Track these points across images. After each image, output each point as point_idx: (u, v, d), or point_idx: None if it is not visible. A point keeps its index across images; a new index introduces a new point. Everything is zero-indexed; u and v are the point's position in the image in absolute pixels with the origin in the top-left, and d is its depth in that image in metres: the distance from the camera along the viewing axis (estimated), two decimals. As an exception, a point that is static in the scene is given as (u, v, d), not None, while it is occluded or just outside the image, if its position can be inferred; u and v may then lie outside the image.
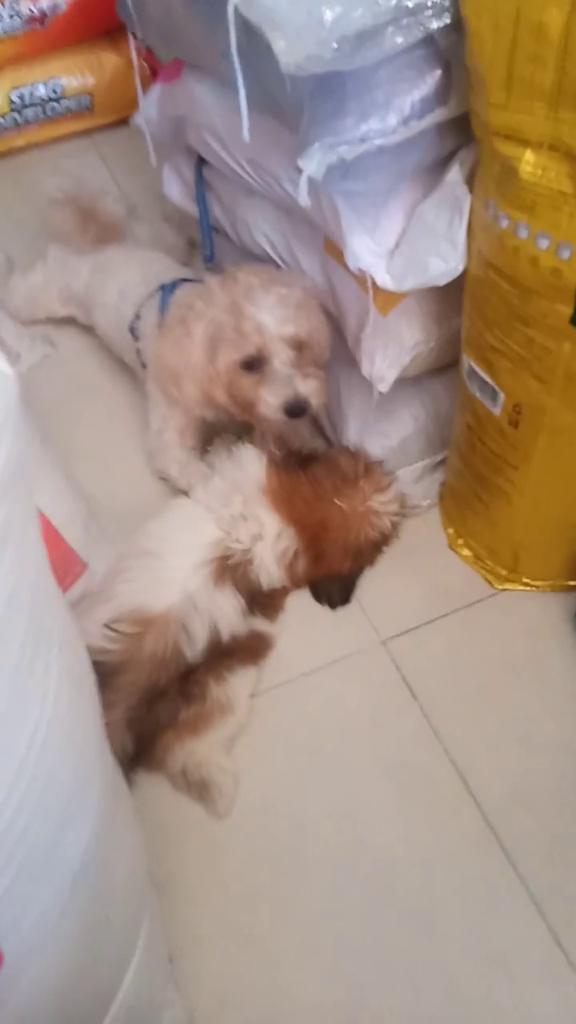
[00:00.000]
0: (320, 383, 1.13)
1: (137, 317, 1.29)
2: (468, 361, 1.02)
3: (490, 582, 1.19)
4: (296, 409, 1.10)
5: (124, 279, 1.35)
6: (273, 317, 1.07)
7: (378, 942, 0.92)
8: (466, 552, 1.21)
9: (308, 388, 1.10)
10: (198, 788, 0.99)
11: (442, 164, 0.99)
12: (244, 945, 0.92)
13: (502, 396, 0.98)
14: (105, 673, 0.98)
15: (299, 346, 1.11)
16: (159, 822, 0.99)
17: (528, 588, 1.18)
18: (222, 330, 1.09)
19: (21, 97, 1.90)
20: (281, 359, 1.09)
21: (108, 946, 0.71)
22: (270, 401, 1.10)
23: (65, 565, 1.08)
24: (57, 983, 0.64)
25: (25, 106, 1.92)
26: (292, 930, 0.93)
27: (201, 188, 1.42)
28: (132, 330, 1.31)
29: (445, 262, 0.95)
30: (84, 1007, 0.70)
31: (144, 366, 1.31)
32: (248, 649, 1.07)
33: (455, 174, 0.95)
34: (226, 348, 1.09)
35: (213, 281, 1.15)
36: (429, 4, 0.82)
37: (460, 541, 1.22)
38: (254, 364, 1.10)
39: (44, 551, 0.65)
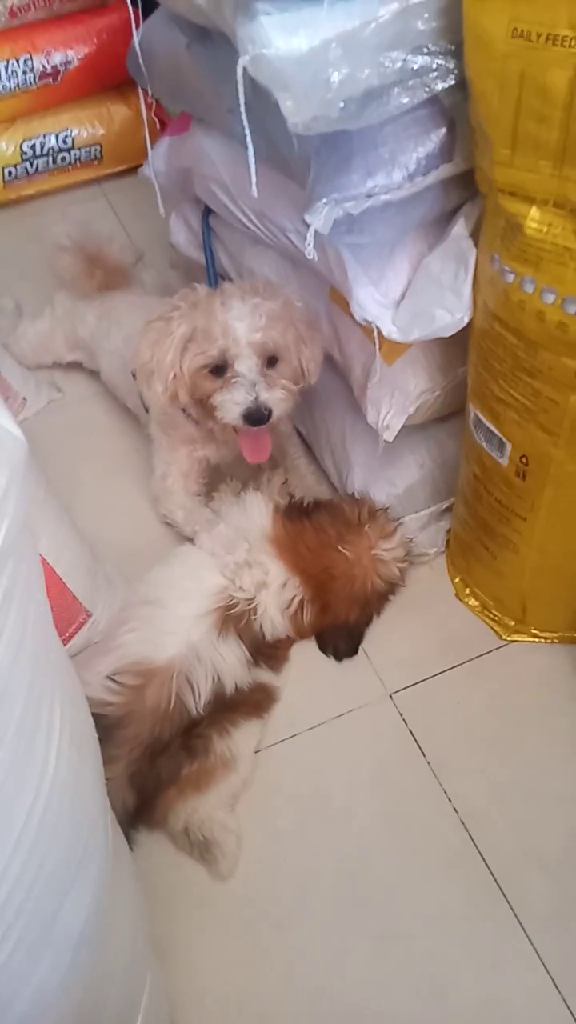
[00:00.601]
0: (287, 394, 1.11)
1: (136, 353, 1.29)
2: (474, 411, 1.02)
3: (498, 633, 1.17)
4: (256, 416, 1.07)
5: (129, 326, 1.36)
6: (242, 323, 1.06)
7: (384, 1010, 0.88)
8: (473, 602, 1.20)
9: (272, 396, 1.08)
10: (200, 848, 0.97)
11: (447, 218, 1.00)
12: (244, 1011, 0.89)
13: (509, 447, 0.97)
14: (106, 727, 0.96)
15: (270, 357, 1.09)
16: (159, 883, 0.97)
17: (537, 639, 1.16)
18: (195, 333, 1.09)
19: (33, 148, 1.94)
20: (247, 365, 1.07)
21: (109, 1017, 0.68)
22: (230, 406, 1.08)
23: (68, 615, 1.07)
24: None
25: (36, 156, 1.96)
26: (294, 996, 0.89)
27: (208, 237, 1.44)
28: (135, 374, 1.32)
29: (451, 314, 0.96)
30: None
31: (147, 410, 1.32)
32: (252, 702, 1.05)
33: (460, 228, 0.96)
34: (193, 350, 1.08)
35: (202, 288, 1.15)
36: (434, 66, 0.83)
37: (467, 591, 1.21)
38: (220, 368, 1.09)
39: (48, 610, 0.64)
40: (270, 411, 1.08)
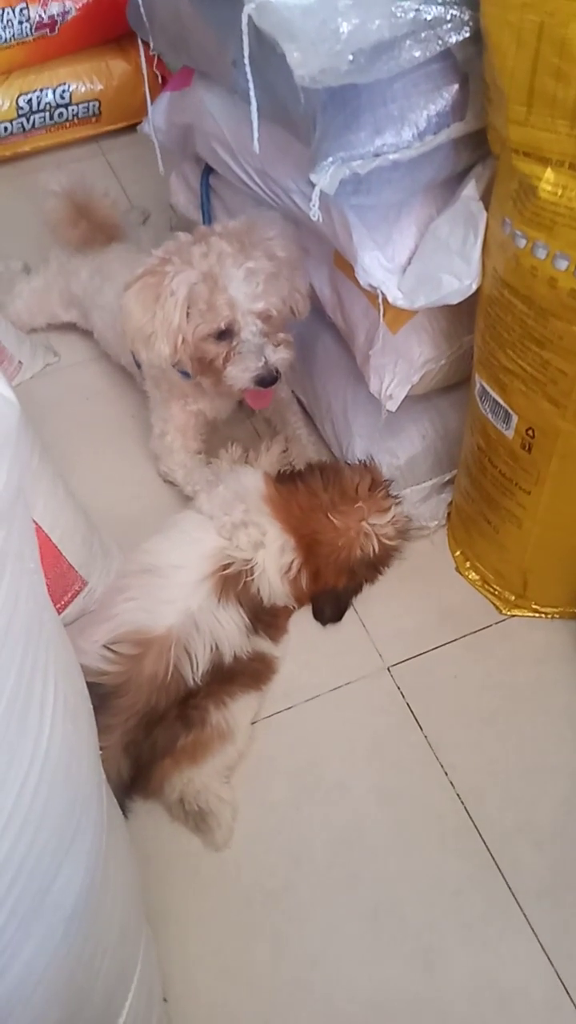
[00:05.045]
0: (290, 349, 1.13)
1: (123, 310, 1.27)
2: (480, 382, 0.99)
3: (498, 607, 1.16)
4: (267, 379, 1.10)
5: (123, 282, 1.33)
6: (243, 293, 1.07)
7: (375, 981, 0.88)
8: (473, 576, 1.19)
9: (278, 357, 1.10)
10: (195, 818, 0.96)
11: (457, 179, 0.97)
12: (237, 982, 0.89)
13: (515, 418, 0.95)
14: (102, 696, 0.95)
15: (268, 317, 1.11)
16: (153, 852, 0.96)
17: (537, 615, 1.15)
18: (196, 300, 1.08)
19: (29, 103, 1.89)
20: (251, 331, 1.09)
21: (101, 989, 0.68)
22: (240, 374, 1.10)
23: (64, 582, 1.06)
24: (47, 1029, 0.61)
25: (33, 111, 1.90)
26: (287, 967, 0.90)
27: (207, 197, 1.40)
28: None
29: (459, 280, 0.93)
30: (75, 1053, 0.67)
31: (140, 367, 1.30)
32: (251, 673, 1.05)
33: (471, 190, 0.92)
34: (198, 319, 1.09)
35: (187, 240, 1.13)
36: (448, 17, 0.80)
37: (468, 564, 1.19)
38: (224, 334, 1.10)
39: (42, 579, 0.62)
40: (279, 372, 1.10)
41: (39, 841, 0.55)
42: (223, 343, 1.10)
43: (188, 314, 1.09)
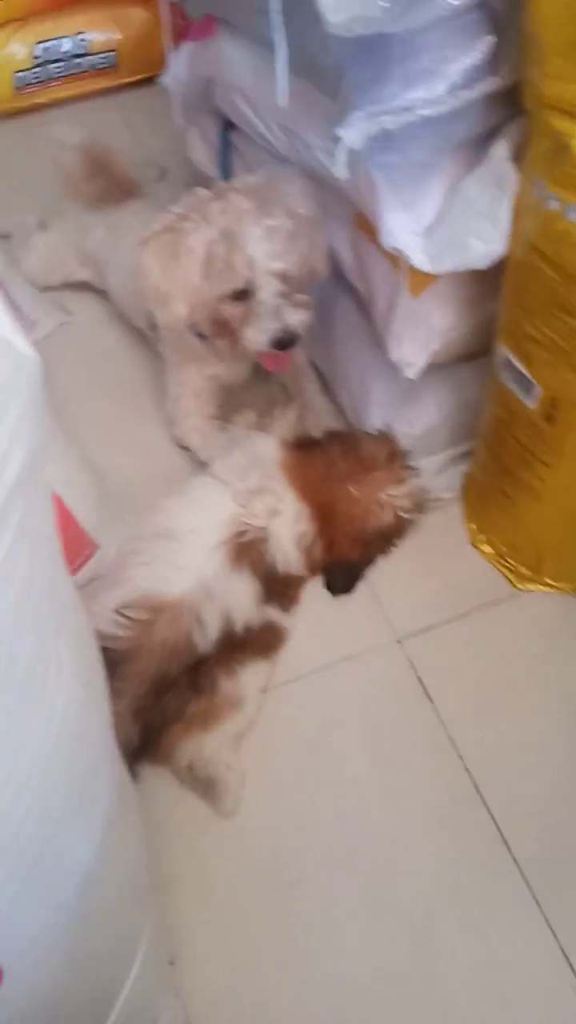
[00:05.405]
0: (309, 311, 1.10)
1: (141, 266, 1.24)
2: (503, 351, 0.97)
3: (511, 581, 1.15)
4: (285, 341, 1.08)
5: (139, 240, 1.30)
6: (263, 251, 1.04)
7: (378, 952, 0.89)
8: (488, 549, 1.17)
9: (296, 319, 1.08)
10: (204, 785, 0.96)
11: (487, 139, 0.93)
12: (240, 950, 0.89)
13: (538, 389, 0.93)
14: (113, 661, 0.94)
15: (287, 277, 1.08)
16: (160, 819, 0.96)
17: (551, 590, 1.13)
18: (214, 259, 1.06)
19: (46, 51, 1.84)
20: (269, 291, 1.06)
21: (109, 955, 0.68)
22: (257, 335, 1.07)
23: (76, 546, 1.05)
24: (55, 996, 0.62)
25: (49, 61, 1.85)
26: (291, 936, 0.90)
27: (226, 153, 1.36)
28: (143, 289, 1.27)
29: (486, 243, 0.90)
30: (82, 1017, 0.67)
31: (155, 328, 1.27)
32: (261, 642, 1.04)
33: (501, 149, 0.89)
34: (216, 279, 1.06)
35: (205, 196, 1.10)
36: (487, -37, 0.76)
37: (482, 537, 1.18)
38: (241, 295, 1.07)
39: (59, 545, 0.61)
40: (298, 334, 1.08)
41: (52, 808, 0.55)
42: (240, 304, 1.07)
43: (206, 275, 1.06)
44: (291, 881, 0.93)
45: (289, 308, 1.07)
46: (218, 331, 1.11)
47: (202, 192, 1.10)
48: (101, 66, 1.91)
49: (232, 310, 1.07)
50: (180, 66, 1.30)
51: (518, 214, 0.87)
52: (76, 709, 0.58)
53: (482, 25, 0.83)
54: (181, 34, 1.74)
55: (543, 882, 0.92)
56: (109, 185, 1.41)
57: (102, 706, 0.67)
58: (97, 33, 1.86)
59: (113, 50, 1.89)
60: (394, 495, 1.08)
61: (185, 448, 1.27)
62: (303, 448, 1.12)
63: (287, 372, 1.25)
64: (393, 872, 0.93)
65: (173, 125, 1.45)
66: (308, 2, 0.76)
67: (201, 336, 1.16)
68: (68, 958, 0.59)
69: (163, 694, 0.96)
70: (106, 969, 0.67)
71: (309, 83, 0.98)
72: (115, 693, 0.92)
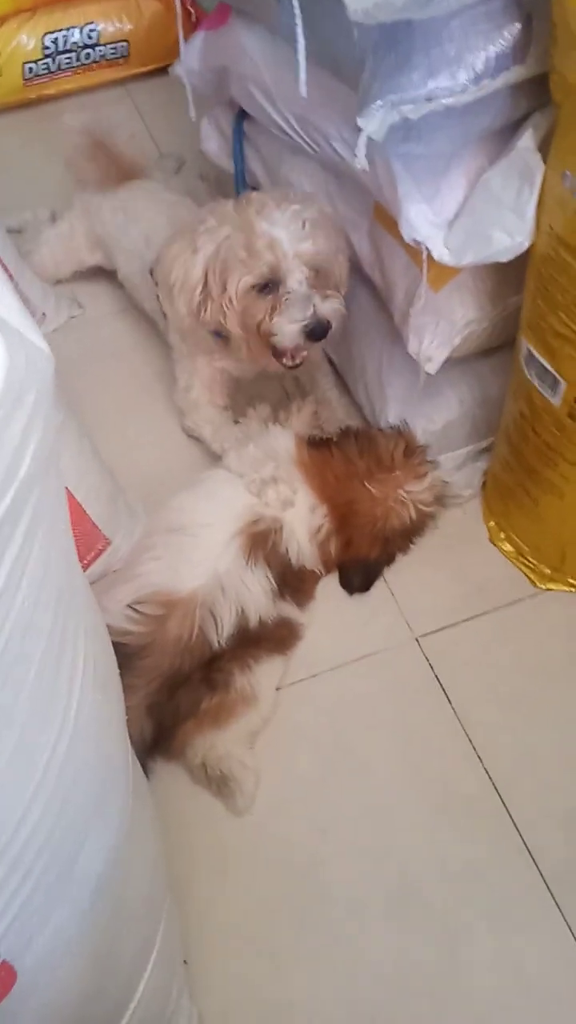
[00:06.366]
0: (340, 303, 1.06)
1: (158, 261, 1.23)
2: (527, 345, 0.95)
3: (532, 580, 1.13)
4: (318, 331, 1.03)
5: (148, 221, 1.29)
6: (288, 233, 1.00)
7: (398, 959, 0.87)
8: (508, 547, 1.15)
9: (328, 308, 1.03)
10: (217, 783, 0.95)
11: (512, 130, 0.91)
12: (256, 952, 0.88)
13: (563, 385, 0.91)
14: (126, 656, 0.94)
15: (316, 268, 1.03)
16: (174, 816, 0.95)
17: (573, 590, 1.11)
18: (233, 250, 1.02)
19: (55, 42, 1.82)
20: (297, 278, 1.01)
21: (124, 956, 0.67)
22: (287, 327, 1.02)
23: (88, 541, 1.04)
24: (71, 997, 0.61)
25: (59, 52, 1.83)
26: (307, 940, 0.89)
27: (239, 144, 1.34)
28: (152, 273, 1.25)
29: (510, 236, 0.88)
30: (96, 1018, 0.66)
31: (165, 315, 1.26)
32: (276, 638, 1.02)
33: (527, 140, 0.87)
34: (237, 269, 1.02)
35: (227, 202, 1.09)
36: (516, -53, 0.74)
37: (502, 535, 1.16)
38: (268, 286, 1.03)
39: (72, 540, 0.60)
40: (330, 324, 1.04)
41: (68, 810, 0.54)
42: (268, 297, 1.03)
43: (228, 270, 1.03)
44: (308, 879, 0.92)
45: (318, 297, 1.03)
46: (254, 337, 1.08)
47: (228, 203, 1.09)
48: (112, 56, 1.88)
49: (259, 305, 1.03)
50: (193, 56, 1.28)
51: (544, 206, 0.85)
52: (92, 710, 0.57)
53: (509, 12, 0.81)
54: (194, 23, 1.73)
55: (566, 889, 0.91)
56: (114, 168, 1.39)
57: (118, 706, 0.65)
58: (107, 23, 1.84)
59: (124, 40, 1.87)
60: (414, 491, 1.06)
61: (196, 439, 1.26)
62: (319, 447, 1.11)
63: (304, 367, 1.23)
64: (412, 872, 0.92)
65: (185, 116, 1.43)
66: (329, -12, 0.74)
67: (218, 334, 1.14)
68: (82, 959, 0.58)
69: (176, 690, 0.95)
70: (120, 970, 0.66)
71: (328, 72, 0.96)
72: (128, 688, 0.91)
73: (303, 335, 1.03)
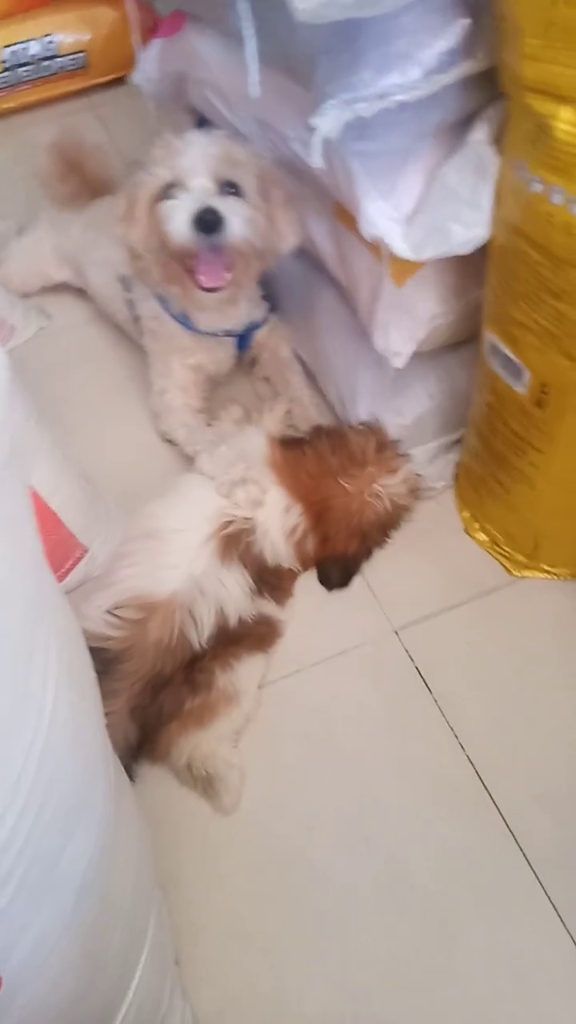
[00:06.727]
0: (251, 212, 1.02)
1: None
2: (490, 337, 0.96)
3: (508, 569, 1.14)
4: (208, 220, 0.98)
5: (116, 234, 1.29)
6: (197, 144, 0.99)
7: (389, 950, 0.88)
8: (482, 537, 1.16)
9: (225, 204, 0.99)
10: (203, 783, 0.96)
11: (466, 123, 0.92)
12: (248, 949, 0.88)
13: (527, 374, 0.92)
14: (107, 660, 0.94)
15: (229, 183, 1.01)
16: (161, 817, 0.96)
17: (548, 576, 1.13)
18: (149, 168, 1.03)
19: (14, 55, 1.82)
20: (198, 182, 0.99)
21: (113, 956, 0.67)
22: (176, 213, 0.99)
23: (64, 550, 1.03)
24: (59, 999, 0.61)
25: (18, 65, 1.84)
26: (298, 934, 0.89)
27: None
28: (123, 280, 1.26)
29: (468, 229, 0.89)
30: (87, 1020, 0.66)
31: (136, 320, 1.26)
32: (256, 636, 1.03)
33: (480, 134, 0.88)
34: (145, 182, 1.02)
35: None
36: (458, -57, 0.75)
37: (476, 525, 1.17)
38: (170, 190, 1.02)
39: (40, 546, 0.60)
40: (223, 218, 0.99)
41: (47, 812, 0.54)
42: (169, 201, 1.02)
43: (139, 184, 1.04)
44: (298, 875, 0.92)
45: (219, 197, 0.99)
46: (166, 262, 1.06)
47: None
48: (71, 68, 1.89)
49: (162, 212, 1.01)
50: (150, 64, 1.29)
51: (500, 198, 0.86)
52: (68, 712, 0.57)
53: (456, 7, 0.82)
54: (150, 31, 1.73)
55: (553, 876, 0.92)
56: (85, 184, 1.40)
57: (96, 709, 0.66)
58: (65, 35, 1.85)
59: (82, 51, 1.88)
60: (388, 485, 1.07)
61: (170, 442, 1.26)
62: (292, 446, 1.11)
63: (226, 288, 1.10)
64: (401, 862, 0.93)
65: (148, 124, 1.44)
66: (277, -10, 0.75)
67: (183, 324, 1.12)
68: (70, 961, 0.58)
69: (159, 692, 0.95)
70: (110, 970, 0.66)
71: (281, 73, 0.97)
72: (110, 693, 0.92)
73: (192, 225, 0.99)
